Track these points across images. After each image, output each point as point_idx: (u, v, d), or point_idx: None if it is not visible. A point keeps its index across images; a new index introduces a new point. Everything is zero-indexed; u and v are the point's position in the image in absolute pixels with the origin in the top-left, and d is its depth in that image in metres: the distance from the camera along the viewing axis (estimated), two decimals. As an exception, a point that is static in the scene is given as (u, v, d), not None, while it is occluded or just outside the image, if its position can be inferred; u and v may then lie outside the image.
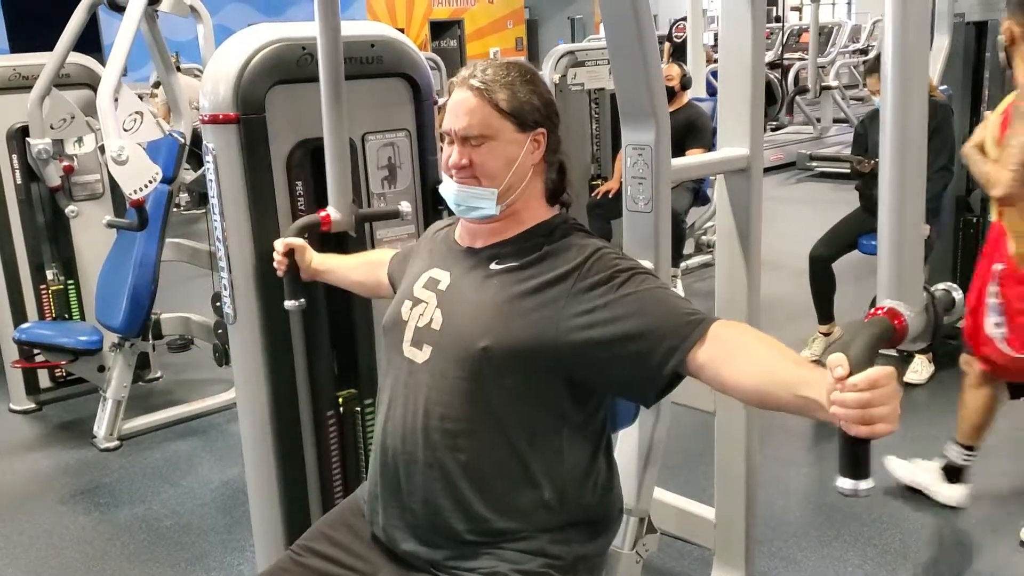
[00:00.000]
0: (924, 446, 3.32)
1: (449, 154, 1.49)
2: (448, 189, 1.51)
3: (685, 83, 5.18)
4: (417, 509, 1.49)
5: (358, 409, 2.18)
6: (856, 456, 1.11)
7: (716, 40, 2.46)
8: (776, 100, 10.07)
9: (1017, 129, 2.48)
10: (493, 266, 1.50)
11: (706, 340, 1.31)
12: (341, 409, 2.16)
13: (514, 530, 1.45)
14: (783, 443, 3.41)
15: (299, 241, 1.92)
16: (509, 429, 1.44)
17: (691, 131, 4.94)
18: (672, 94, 4.98)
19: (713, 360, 1.30)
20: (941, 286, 1.37)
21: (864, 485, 1.12)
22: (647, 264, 1.98)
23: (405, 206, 2.09)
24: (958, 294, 1.37)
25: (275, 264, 1.93)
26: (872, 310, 1.28)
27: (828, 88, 10.41)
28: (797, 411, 1.22)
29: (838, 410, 1.08)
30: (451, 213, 1.60)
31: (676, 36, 8.84)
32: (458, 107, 1.47)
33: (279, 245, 1.92)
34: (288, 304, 1.95)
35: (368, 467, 1.91)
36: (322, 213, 1.99)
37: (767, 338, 1.31)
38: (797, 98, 10.41)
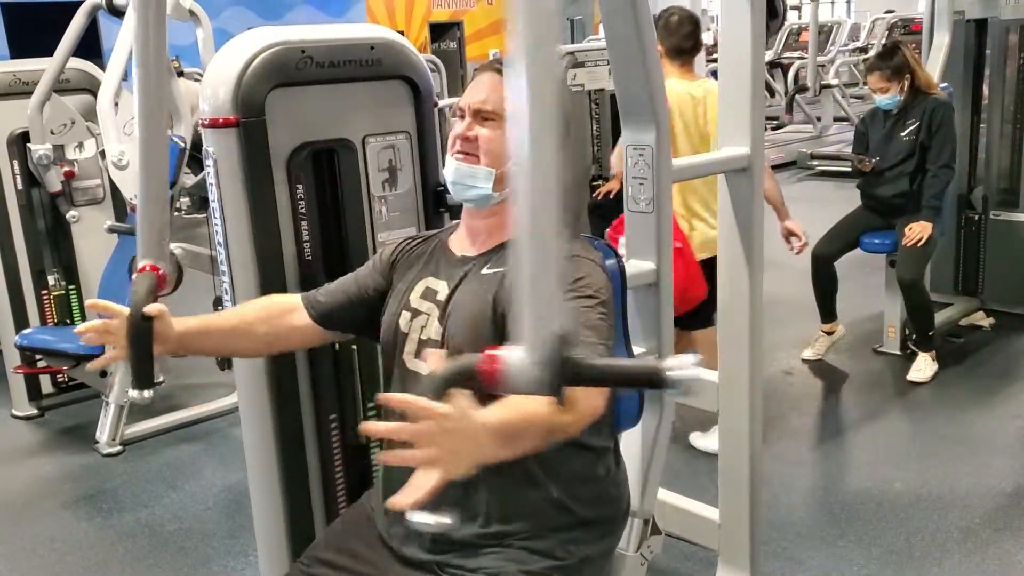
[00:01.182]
0: (931, 445, 3.32)
1: (457, 127, 1.51)
2: (448, 168, 1.53)
3: (685, 83, 5.17)
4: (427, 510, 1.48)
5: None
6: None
7: (716, 40, 2.46)
8: (774, 94, 9.96)
9: None
10: (485, 271, 1.50)
11: None
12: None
13: (521, 530, 1.46)
14: (787, 443, 3.40)
15: (160, 306, 1.51)
16: None
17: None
18: (672, 94, 4.96)
19: None
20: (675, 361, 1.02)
21: (444, 519, 1.07)
22: (648, 265, 1.98)
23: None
24: (689, 369, 1.00)
25: (113, 355, 1.52)
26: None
27: (828, 87, 10.40)
28: None
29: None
30: (453, 217, 1.60)
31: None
32: (479, 84, 1.51)
33: (122, 328, 1.48)
34: (135, 395, 1.52)
35: (371, 469, 1.90)
36: (146, 267, 1.60)
37: None
38: (797, 97, 10.40)
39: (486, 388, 1.03)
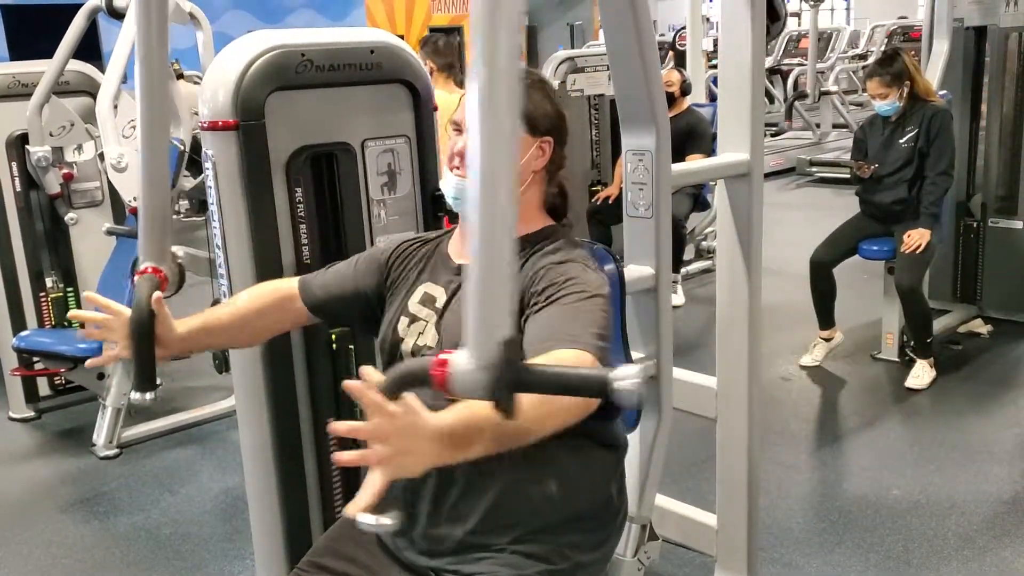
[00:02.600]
0: (929, 452, 3.32)
1: (455, 143, 1.49)
2: (448, 183, 1.52)
3: (685, 89, 5.18)
4: (422, 512, 1.49)
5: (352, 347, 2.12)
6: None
7: (715, 46, 2.47)
8: (773, 100, 9.92)
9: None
10: None
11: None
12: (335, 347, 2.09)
13: (517, 535, 1.45)
14: (785, 449, 3.40)
15: (162, 310, 1.53)
16: None
17: (691, 137, 4.94)
18: (672, 100, 4.98)
19: None
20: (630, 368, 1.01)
21: (386, 520, 1.09)
22: (647, 270, 1.98)
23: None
24: (634, 379, 0.99)
25: (114, 354, 1.54)
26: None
27: (828, 93, 10.42)
28: None
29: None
30: (452, 221, 1.59)
31: (680, 44, 8.84)
32: None
33: (122, 328, 1.49)
34: (136, 397, 1.57)
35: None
36: (148, 269, 1.59)
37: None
38: (796, 103, 10.42)
39: (436, 390, 1.04)
